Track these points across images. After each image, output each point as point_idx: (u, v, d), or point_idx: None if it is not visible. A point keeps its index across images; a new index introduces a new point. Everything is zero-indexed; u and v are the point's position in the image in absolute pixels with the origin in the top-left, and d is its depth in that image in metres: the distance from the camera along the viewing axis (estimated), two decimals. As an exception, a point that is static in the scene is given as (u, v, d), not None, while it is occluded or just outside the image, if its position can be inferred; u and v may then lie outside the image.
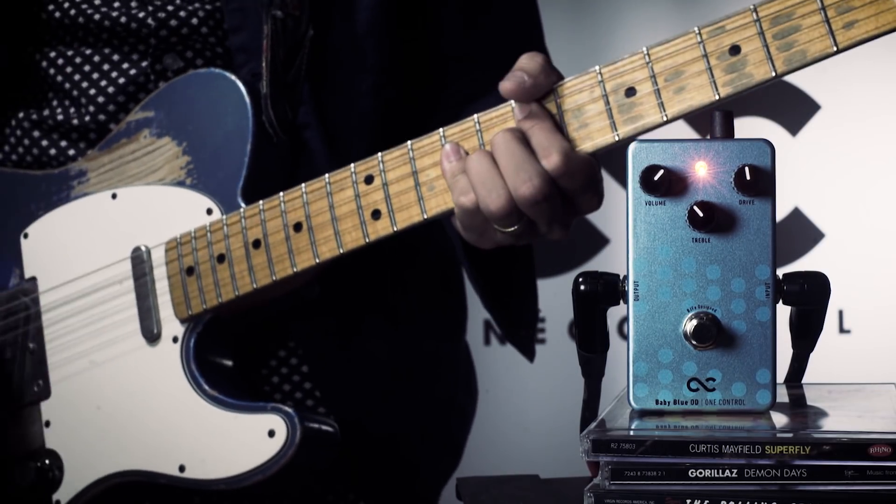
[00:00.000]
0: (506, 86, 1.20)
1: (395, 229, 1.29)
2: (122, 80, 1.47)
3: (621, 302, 0.93)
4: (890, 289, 2.86)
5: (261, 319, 1.45)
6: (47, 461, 1.45)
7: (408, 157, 1.28)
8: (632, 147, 0.91)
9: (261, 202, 1.36)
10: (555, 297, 2.78)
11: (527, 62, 1.21)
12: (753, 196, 0.91)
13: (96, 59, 1.48)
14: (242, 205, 1.38)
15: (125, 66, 1.48)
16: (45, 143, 1.52)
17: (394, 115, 1.47)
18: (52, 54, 1.50)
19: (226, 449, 1.36)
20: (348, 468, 1.46)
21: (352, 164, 1.31)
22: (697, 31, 1.16)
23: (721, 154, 0.91)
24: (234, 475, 1.36)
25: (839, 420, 0.94)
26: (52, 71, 1.50)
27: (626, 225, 0.92)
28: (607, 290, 0.93)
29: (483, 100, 1.32)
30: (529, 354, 1.46)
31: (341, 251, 1.31)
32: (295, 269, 1.33)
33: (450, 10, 1.49)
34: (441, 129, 1.26)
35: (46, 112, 1.51)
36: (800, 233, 2.90)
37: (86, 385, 1.45)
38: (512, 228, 1.22)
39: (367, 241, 1.30)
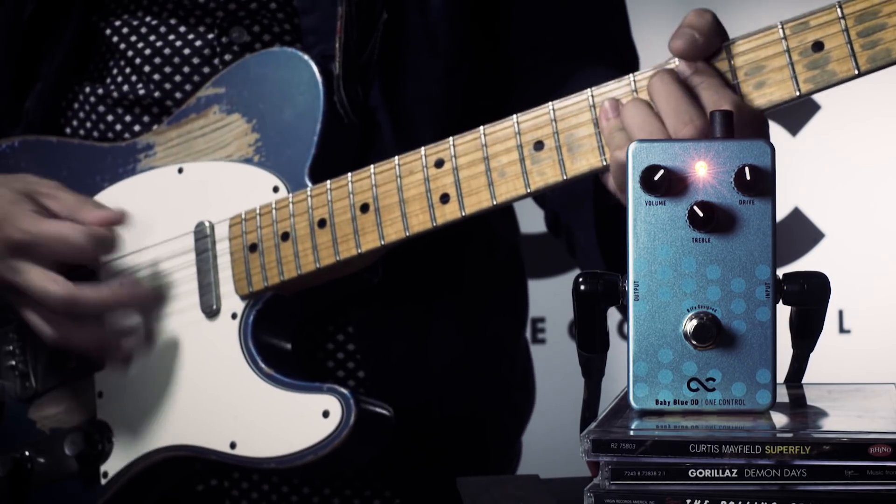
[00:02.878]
0: (676, 44, 1.16)
1: (464, 214, 1.29)
2: (187, 51, 1.47)
3: (621, 302, 0.93)
4: (890, 289, 2.86)
5: (321, 303, 1.44)
6: (97, 432, 1.45)
7: (480, 143, 1.28)
8: (632, 147, 0.91)
9: (328, 182, 1.36)
10: (555, 296, 2.79)
11: (696, 19, 1.17)
12: (753, 196, 0.91)
13: (162, 29, 1.48)
14: (309, 184, 1.38)
15: (191, 37, 1.47)
16: (110, 117, 1.51)
17: (463, 104, 1.47)
18: (118, 23, 1.50)
19: (279, 428, 1.36)
20: (389, 462, 1.45)
21: (422, 148, 1.31)
22: (780, 27, 1.16)
23: (721, 154, 0.91)
24: (286, 454, 1.35)
25: (839, 420, 0.94)
26: (115, 39, 1.50)
27: (626, 225, 0.92)
28: (607, 290, 0.93)
29: (560, 91, 1.32)
30: None
31: (407, 234, 1.31)
32: (360, 250, 1.34)
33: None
34: (515, 116, 1.27)
35: (111, 84, 1.51)
36: (800, 233, 2.90)
37: (141, 358, 1.45)
38: None
39: (435, 224, 1.30)
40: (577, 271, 0.99)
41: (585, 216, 1.36)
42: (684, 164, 0.91)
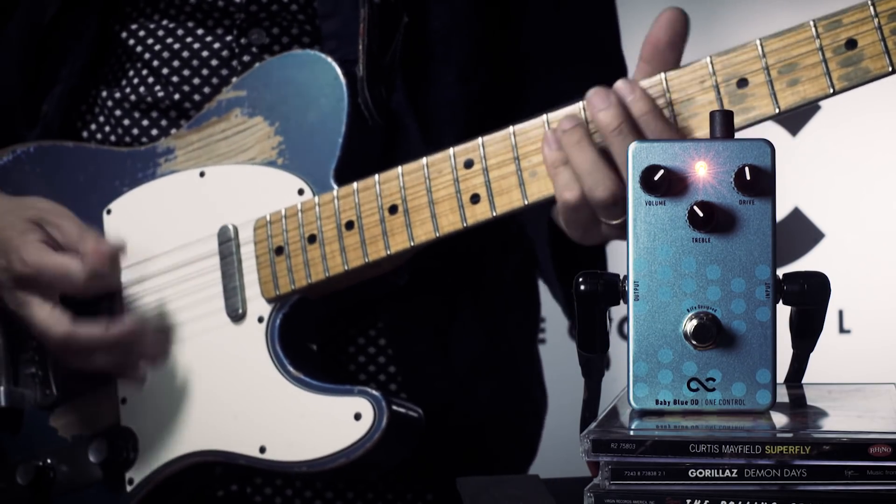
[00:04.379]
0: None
1: (495, 214, 1.29)
2: (205, 53, 1.47)
3: (621, 302, 0.93)
4: (890, 289, 2.86)
5: (347, 305, 1.44)
6: (122, 439, 1.43)
7: (510, 143, 1.28)
8: (632, 147, 0.91)
9: (355, 183, 1.35)
10: (555, 297, 2.78)
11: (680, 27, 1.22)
12: (753, 196, 0.91)
13: (179, 32, 1.48)
14: (335, 186, 1.37)
15: (209, 39, 1.47)
16: (126, 121, 1.50)
17: (479, 108, 1.47)
18: (134, 26, 1.49)
19: (310, 431, 1.35)
20: (413, 464, 1.44)
21: (451, 149, 1.31)
22: (813, 25, 1.17)
23: (721, 154, 0.91)
24: (318, 458, 1.34)
25: (839, 420, 0.94)
26: (131, 42, 1.49)
27: (627, 225, 0.92)
28: (607, 290, 0.93)
29: (564, 96, 1.32)
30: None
31: (437, 234, 1.31)
32: (389, 252, 1.33)
33: (531, 8, 1.49)
34: (545, 115, 1.26)
35: (128, 87, 1.50)
36: (800, 233, 2.90)
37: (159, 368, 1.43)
38: (620, 220, 1.21)
39: (465, 225, 1.30)
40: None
41: (542, 232, 1.37)
42: (684, 163, 0.91)
